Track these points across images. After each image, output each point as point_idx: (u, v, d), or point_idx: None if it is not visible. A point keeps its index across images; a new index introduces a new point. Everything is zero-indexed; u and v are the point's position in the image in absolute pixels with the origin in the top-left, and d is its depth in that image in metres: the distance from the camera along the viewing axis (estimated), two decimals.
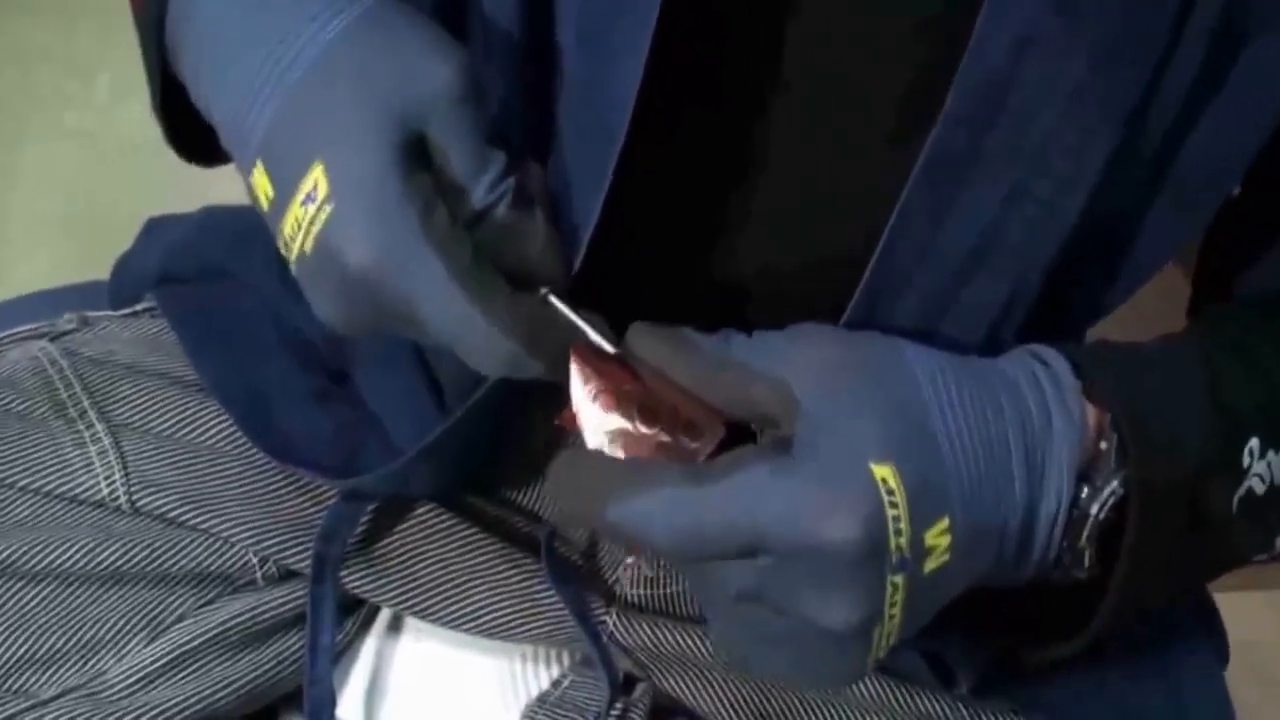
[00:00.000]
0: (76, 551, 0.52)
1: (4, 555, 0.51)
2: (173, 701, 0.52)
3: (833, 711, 0.54)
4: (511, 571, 0.56)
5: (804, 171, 0.48)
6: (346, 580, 0.55)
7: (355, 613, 0.58)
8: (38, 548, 0.52)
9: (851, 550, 0.38)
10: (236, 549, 0.55)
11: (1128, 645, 0.56)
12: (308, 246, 0.41)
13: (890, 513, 0.38)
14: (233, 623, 0.54)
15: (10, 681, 0.51)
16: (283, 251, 0.42)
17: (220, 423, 0.57)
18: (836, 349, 0.42)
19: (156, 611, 0.53)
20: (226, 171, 0.48)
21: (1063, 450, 0.42)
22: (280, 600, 0.55)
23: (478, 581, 0.56)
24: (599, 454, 0.42)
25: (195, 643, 0.53)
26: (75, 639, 0.52)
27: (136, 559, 0.53)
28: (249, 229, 0.63)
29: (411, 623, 0.59)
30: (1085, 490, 0.43)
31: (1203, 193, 0.48)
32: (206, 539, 0.55)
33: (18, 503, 0.54)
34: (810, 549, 0.38)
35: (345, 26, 0.42)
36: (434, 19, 0.43)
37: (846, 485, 0.39)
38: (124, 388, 0.57)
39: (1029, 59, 0.41)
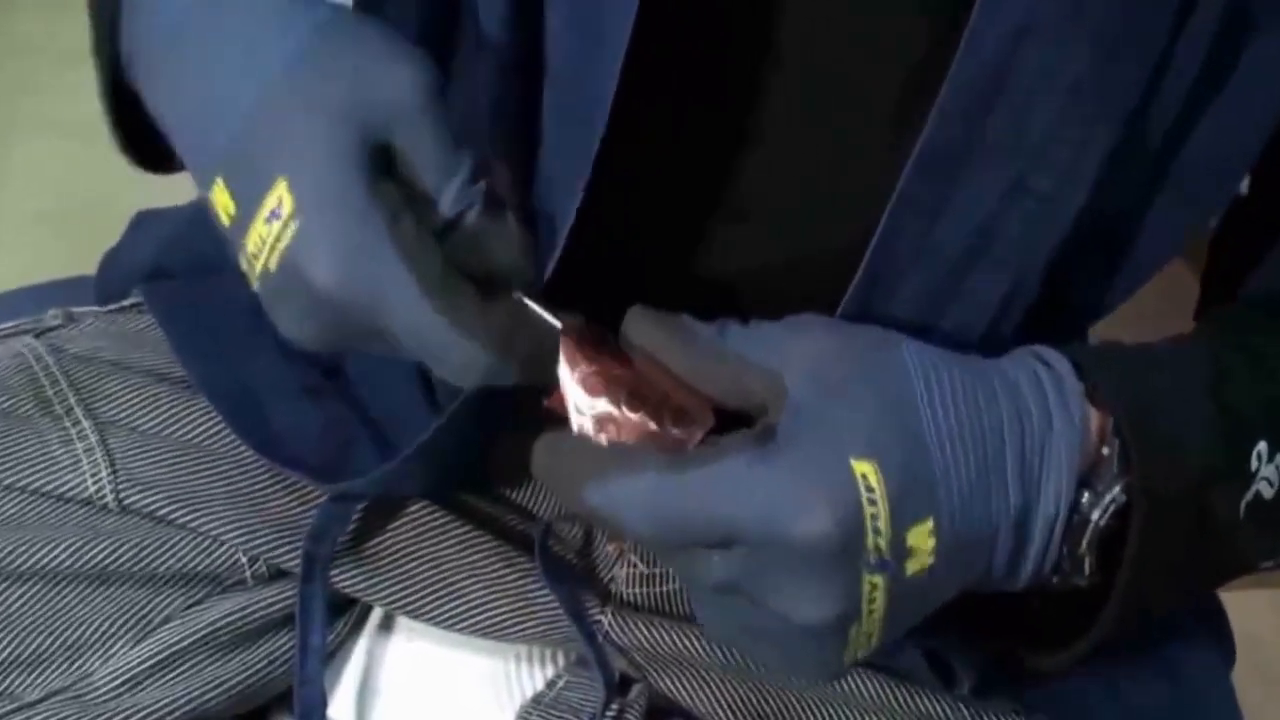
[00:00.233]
0: (62, 551, 0.52)
1: None
2: (162, 703, 0.51)
3: (831, 712, 0.54)
4: (506, 570, 0.56)
5: (799, 166, 0.48)
6: (337, 579, 0.55)
7: (347, 612, 0.58)
8: (23, 547, 0.51)
9: (824, 545, 0.38)
10: (225, 548, 0.55)
11: (1133, 646, 0.56)
12: (272, 264, 0.40)
13: (869, 510, 0.38)
14: (222, 623, 0.53)
15: None
16: (244, 268, 0.42)
17: (208, 419, 0.57)
18: (832, 341, 0.42)
19: (144, 612, 0.53)
20: None
21: (1062, 454, 0.41)
22: (270, 600, 0.55)
23: (472, 580, 0.55)
24: (583, 438, 0.41)
25: (184, 643, 0.53)
26: (60, 640, 0.52)
27: (123, 558, 0.53)
28: None
29: (404, 622, 0.58)
30: (1086, 495, 0.42)
31: (1204, 191, 0.48)
32: (195, 538, 0.54)
33: (2, 501, 0.53)
34: (782, 542, 0.38)
35: (303, 37, 0.42)
36: (423, 12, 0.43)
37: (823, 479, 0.38)
38: (111, 384, 0.57)
39: (1027, 48, 0.40)
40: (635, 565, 0.57)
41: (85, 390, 0.56)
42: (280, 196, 0.40)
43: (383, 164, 0.41)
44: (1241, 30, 0.42)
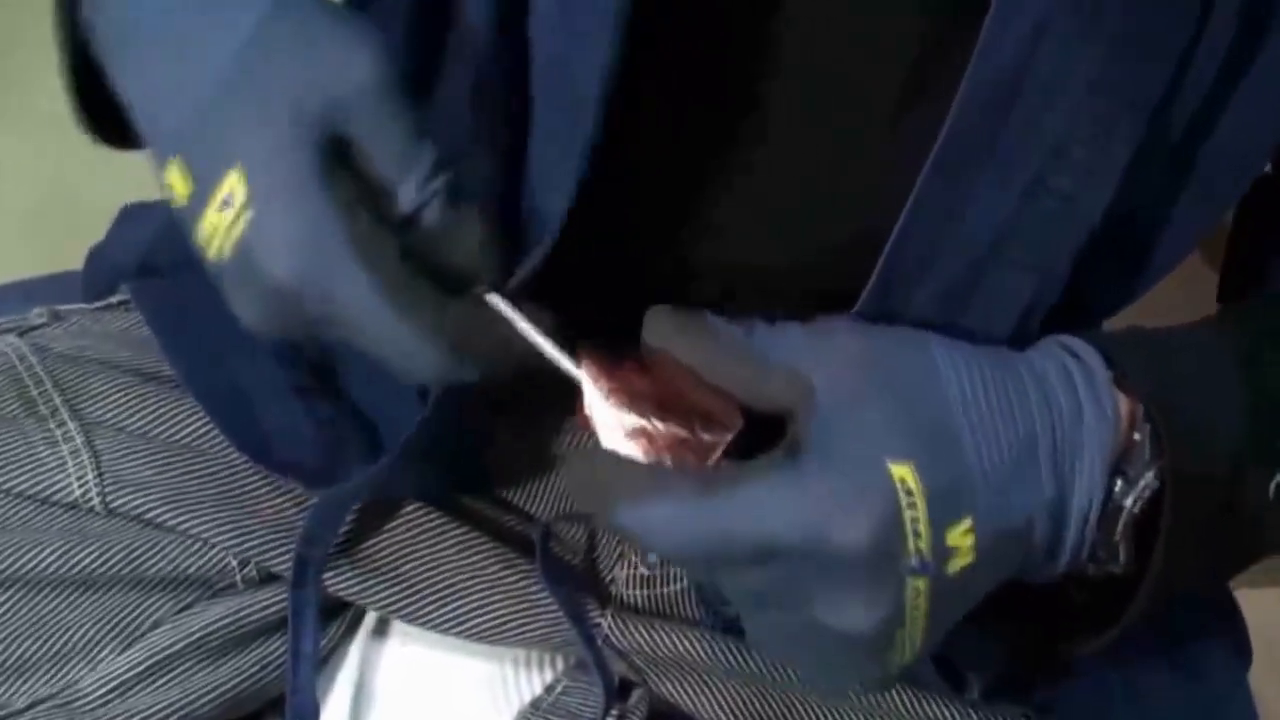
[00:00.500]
0: (48, 555, 0.51)
1: None
2: (152, 709, 0.51)
3: (835, 716, 0.54)
4: (505, 571, 0.55)
5: (799, 166, 0.48)
6: (331, 582, 0.54)
7: (340, 616, 0.57)
8: (7, 551, 0.51)
9: (863, 553, 0.38)
10: (215, 551, 0.54)
11: (1147, 647, 0.56)
12: (226, 252, 0.40)
13: (908, 514, 0.38)
14: (213, 628, 0.53)
15: None
16: (198, 250, 0.41)
17: (197, 420, 0.56)
18: (858, 343, 0.42)
19: (131, 617, 0.52)
20: None
21: (1094, 445, 0.41)
22: (262, 604, 0.54)
23: (470, 582, 0.55)
24: (613, 454, 0.41)
25: (174, 649, 0.52)
26: (46, 646, 0.51)
27: (111, 562, 0.52)
28: None
29: (399, 626, 0.58)
30: (1119, 483, 0.42)
31: (1223, 187, 0.48)
32: (184, 541, 0.54)
33: None
34: (823, 553, 0.38)
35: (258, 21, 0.41)
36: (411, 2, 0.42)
37: (859, 486, 0.38)
38: (97, 384, 0.56)
39: (1044, 48, 0.40)
40: (635, 566, 0.57)
41: (70, 390, 0.55)
42: (233, 185, 0.39)
43: (339, 155, 0.40)
44: (1260, 26, 0.42)
